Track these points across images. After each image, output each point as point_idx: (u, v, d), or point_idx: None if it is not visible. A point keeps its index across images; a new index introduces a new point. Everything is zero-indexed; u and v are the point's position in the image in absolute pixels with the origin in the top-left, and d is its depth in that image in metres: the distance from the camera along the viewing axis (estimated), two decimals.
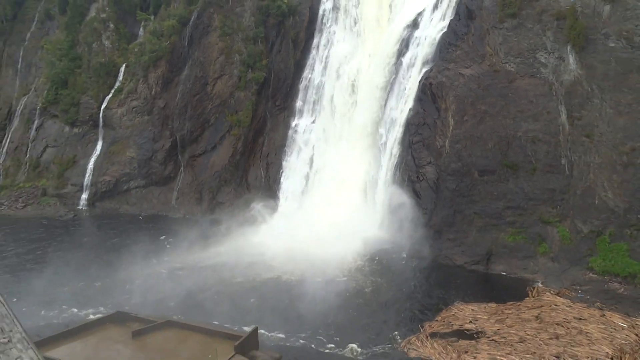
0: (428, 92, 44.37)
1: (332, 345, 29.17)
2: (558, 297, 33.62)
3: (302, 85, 54.92)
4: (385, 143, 47.02)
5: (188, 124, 56.47)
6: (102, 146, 58.64)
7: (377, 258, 40.95)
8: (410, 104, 45.37)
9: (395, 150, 46.00)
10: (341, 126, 51.15)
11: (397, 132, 46.04)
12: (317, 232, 42.52)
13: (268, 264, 39.48)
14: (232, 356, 23.65)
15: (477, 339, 29.32)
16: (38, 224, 51.47)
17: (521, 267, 38.02)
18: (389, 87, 47.57)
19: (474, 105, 41.97)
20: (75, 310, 32.32)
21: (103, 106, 58.65)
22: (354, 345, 28.89)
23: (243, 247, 41.77)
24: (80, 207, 56.70)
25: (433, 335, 29.87)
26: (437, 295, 35.49)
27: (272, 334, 30.15)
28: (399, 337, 30.07)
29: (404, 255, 40.96)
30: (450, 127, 42.76)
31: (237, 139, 55.26)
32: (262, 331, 29.18)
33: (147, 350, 25.19)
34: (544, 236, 38.53)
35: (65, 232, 50.44)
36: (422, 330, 30.62)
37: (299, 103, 54.80)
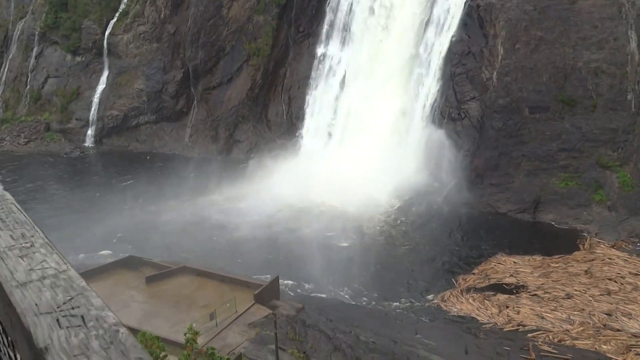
0: (475, 15, 43.48)
1: (360, 299, 29.97)
2: (613, 250, 33.68)
3: (329, 8, 53.61)
4: (423, 75, 46.63)
5: (201, 53, 56.30)
6: (108, 77, 59.19)
7: (411, 204, 41.53)
8: (453, 30, 44.61)
9: (434, 84, 45.67)
10: (374, 55, 50.36)
11: (437, 62, 45.50)
12: (345, 176, 43.04)
13: (291, 211, 40.36)
14: (252, 305, 24.94)
15: (517, 294, 29.80)
16: (43, 162, 53.05)
17: (572, 216, 38.08)
18: (429, 8, 46.58)
19: (527, 30, 41.08)
20: (83, 255, 33.72)
21: (107, 32, 58.80)
22: (384, 301, 29.69)
23: (262, 193, 42.57)
24: (86, 144, 58.09)
25: (468, 290, 30.46)
26: (476, 246, 36.00)
27: (295, 284, 31.12)
28: (432, 292, 30.83)
29: (441, 202, 41.30)
30: (499, 57, 42.13)
31: (255, 70, 55.13)
32: (285, 281, 29.93)
33: (161, 296, 26.57)
34: (601, 182, 38.38)
35: (72, 170, 52.17)
36: (456, 285, 31.24)
37: (325, 28, 53.71)
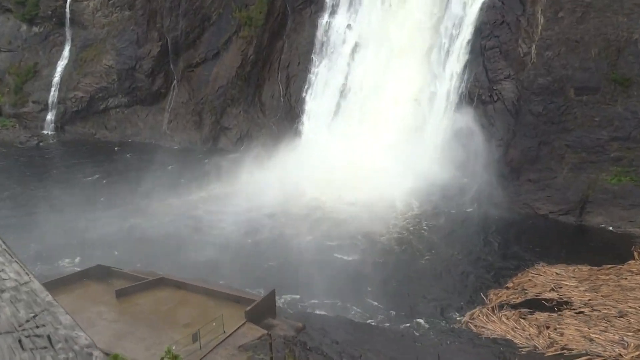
0: None
1: (371, 318, 29.84)
2: None
3: None
4: (448, 49, 46.62)
5: (182, 22, 56.45)
6: (71, 51, 59.33)
7: (433, 204, 41.62)
8: None
9: (461, 60, 45.68)
10: (389, 26, 50.29)
11: (465, 34, 45.53)
12: (353, 171, 43.14)
13: (288, 213, 40.53)
14: (242, 324, 24.85)
15: (560, 312, 29.75)
16: None
17: (626, 218, 37.97)
18: None
19: None
20: (41, 264, 33.65)
21: None
22: (400, 320, 29.63)
23: (254, 191, 42.73)
24: (45, 132, 58.24)
25: (501, 306, 30.42)
26: (511, 255, 35.96)
27: (294, 299, 31.07)
28: (458, 310, 30.73)
29: (469, 201, 41.48)
30: (539, 28, 42.11)
31: (247, 44, 55.14)
32: (282, 296, 30.00)
33: (134, 313, 26.55)
34: None
35: (28, 163, 52.26)
36: (487, 301, 31.22)
37: None
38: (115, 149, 55.30)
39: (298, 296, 31.55)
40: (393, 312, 30.76)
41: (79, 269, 30.76)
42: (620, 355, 26.47)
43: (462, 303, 31.59)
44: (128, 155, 53.52)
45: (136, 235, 37.41)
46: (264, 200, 41.68)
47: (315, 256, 35.15)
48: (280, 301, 29.42)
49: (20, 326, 1.50)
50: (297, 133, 52.83)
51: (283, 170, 45.04)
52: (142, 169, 47.11)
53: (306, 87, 54.33)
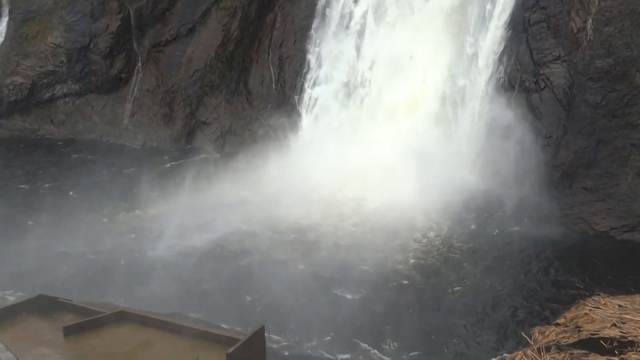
0: None
1: None
2: None
3: None
4: (482, 23, 46.91)
5: None
6: (9, 26, 59.46)
7: (465, 220, 41.81)
8: None
9: (498, 38, 46.00)
10: None
11: (504, 5, 45.78)
12: (362, 176, 43.53)
13: (279, 231, 40.84)
14: None
15: (623, 354, 29.59)
16: None
17: None
18: None
19: None
20: None
21: None
22: None
23: (236, 203, 43.13)
24: None
25: (548, 348, 30.25)
26: (562, 283, 35.84)
27: (288, 337, 31.06)
28: (496, 352, 30.72)
29: (510, 216, 41.65)
30: None
31: (229, 17, 55.52)
32: (273, 335, 30.20)
33: (87, 356, 25.98)
34: None
35: None
36: (531, 342, 31.01)
37: None
38: (62, 149, 55.49)
39: (289, 337, 31.58)
40: (412, 354, 30.56)
41: (15, 301, 30.38)
42: None
43: (500, 344, 31.43)
44: (76, 156, 53.67)
45: (78, 260, 37.31)
46: (246, 215, 41.88)
47: (314, 283, 35.27)
48: (270, 342, 29.32)
49: None
50: (293, 129, 53.18)
51: (275, 176, 45.50)
52: (92, 174, 47.46)
53: (304, 71, 54.50)
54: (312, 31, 54.39)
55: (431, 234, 41.15)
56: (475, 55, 47.26)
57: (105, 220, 42.32)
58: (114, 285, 34.78)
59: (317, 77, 54.43)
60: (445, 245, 40.25)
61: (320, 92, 54.02)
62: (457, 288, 36.34)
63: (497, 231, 41.07)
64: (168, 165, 51.21)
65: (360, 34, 52.78)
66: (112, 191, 45.03)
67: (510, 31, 45.51)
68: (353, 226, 41.36)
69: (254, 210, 42.42)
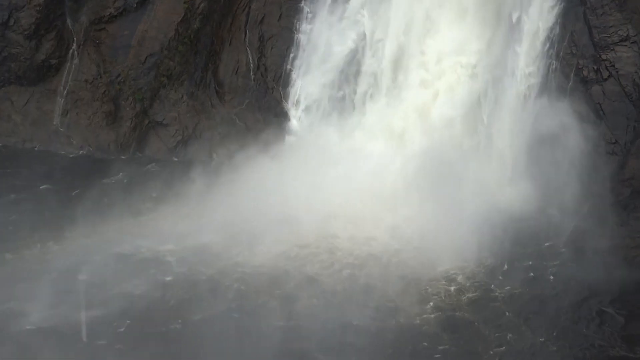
0: None
1: None
2: None
3: None
4: None
5: None
6: None
7: (505, 253, 41.28)
8: None
9: (546, 12, 45.94)
10: None
11: None
12: (370, 194, 43.98)
13: (247, 271, 40.38)
14: None
15: None
16: None
17: None
18: None
19: None
20: None
21: None
22: None
23: (205, 229, 42.99)
24: None
25: None
26: (637, 338, 35.36)
27: None
28: None
29: (563, 247, 41.39)
30: None
31: None
32: None
33: None
34: None
35: None
36: None
37: None
38: None
39: None
40: None
41: None
42: None
43: None
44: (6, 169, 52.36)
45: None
46: (202, 256, 41.47)
47: (303, 337, 35.07)
48: None
49: None
50: (277, 131, 53.19)
51: (250, 195, 45.41)
52: (4, 193, 47.44)
53: (292, 55, 54.44)
54: (303, 3, 54.38)
55: (459, 277, 40.30)
56: (516, 35, 47.17)
57: (8, 256, 41.35)
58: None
59: (309, 63, 54.31)
60: (478, 291, 39.44)
61: (312, 83, 54.09)
62: (498, 349, 35.64)
63: (548, 270, 40.50)
64: (110, 179, 50.22)
65: (364, 11, 53.06)
66: (27, 217, 44.38)
67: (563, 3, 45.53)
68: (351, 267, 40.66)
69: (217, 249, 41.93)
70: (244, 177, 47.29)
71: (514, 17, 47.24)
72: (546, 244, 42.09)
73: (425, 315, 37.67)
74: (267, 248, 41.77)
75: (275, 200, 44.39)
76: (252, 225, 42.91)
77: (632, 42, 43.27)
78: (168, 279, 39.50)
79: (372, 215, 43.26)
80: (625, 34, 43.46)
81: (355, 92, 53.21)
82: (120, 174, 50.89)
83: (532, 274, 40.65)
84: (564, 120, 43.52)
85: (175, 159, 53.30)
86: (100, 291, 37.96)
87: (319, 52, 54.08)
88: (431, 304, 38.43)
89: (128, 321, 36.09)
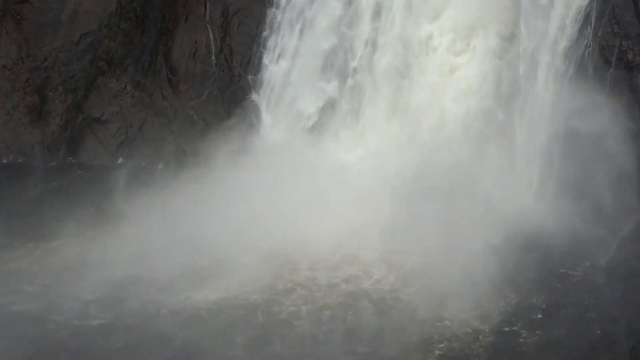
0: None
1: None
2: None
3: None
4: None
5: None
6: None
7: (528, 283, 40.80)
8: None
9: None
10: None
11: None
12: (364, 212, 44.10)
13: (215, 309, 39.77)
14: None
15: None
16: None
17: None
18: None
19: None
20: None
21: None
22: None
23: (146, 259, 42.15)
24: None
25: None
26: None
27: None
28: None
29: (603, 272, 40.89)
30: None
31: None
32: None
33: None
34: None
35: None
36: None
37: None
38: None
39: None
40: None
41: None
42: None
43: None
44: None
45: None
46: (154, 278, 40.99)
47: None
48: None
49: None
50: (245, 130, 52.78)
51: (209, 213, 45.08)
52: None
53: (264, 35, 54.06)
54: None
55: (473, 319, 39.33)
56: (545, 11, 46.99)
57: None
58: None
59: (285, 45, 54.07)
60: (498, 336, 38.51)
61: (289, 70, 53.85)
62: None
63: (585, 303, 39.55)
64: (30, 193, 49.78)
65: None
66: None
67: None
68: (334, 307, 40.00)
69: (161, 282, 41.13)
70: (203, 190, 47.17)
71: None
72: (580, 268, 42.04)
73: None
74: (226, 281, 41.43)
75: (240, 221, 43.97)
76: (209, 251, 42.47)
77: None
78: (94, 323, 38.69)
79: (360, 241, 43.27)
80: None
81: (345, 81, 53.26)
82: (45, 185, 50.64)
83: (563, 310, 39.92)
84: (603, 115, 43.38)
85: (116, 164, 53.24)
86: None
87: (297, 32, 53.95)
88: (437, 353, 37.77)
89: None
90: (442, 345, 37.82)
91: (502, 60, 49.07)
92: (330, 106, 53.43)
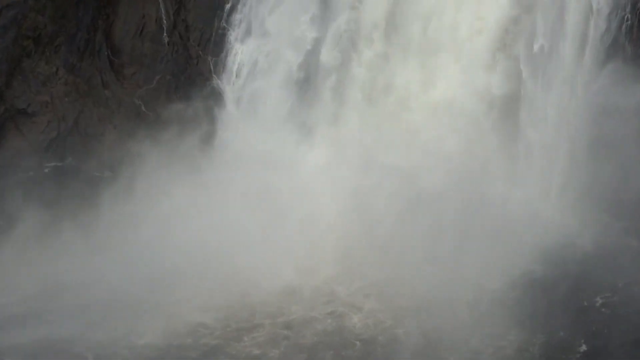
0: None
1: None
2: None
3: None
4: None
5: None
6: None
7: (554, 314, 40.48)
8: None
9: None
10: None
11: None
12: (350, 230, 44.48)
13: (170, 344, 39.53)
14: None
15: None
16: None
17: None
18: None
19: None
20: None
21: None
22: None
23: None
24: None
25: None
26: None
27: None
28: None
29: None
30: None
31: None
32: None
33: None
34: None
35: None
36: None
37: None
38: None
39: None
40: None
41: None
42: None
43: None
44: None
45: None
46: (77, 316, 41.00)
47: None
48: None
49: None
50: (205, 123, 52.14)
51: (156, 230, 45.10)
52: None
53: (227, 6, 53.76)
54: None
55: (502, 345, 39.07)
56: None
57: None
58: None
59: (254, 18, 53.19)
60: None
61: (260, 50, 53.18)
62: None
63: (632, 338, 38.36)
64: None
65: None
66: None
67: None
68: (309, 350, 39.60)
69: (82, 323, 40.78)
70: (151, 201, 46.64)
71: None
72: (612, 291, 41.83)
73: None
74: (168, 321, 41.10)
75: (195, 241, 43.74)
76: (152, 281, 42.39)
77: None
78: None
79: (345, 268, 43.66)
80: None
81: (325, 63, 52.58)
82: None
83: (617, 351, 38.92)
84: None
85: (46, 167, 51.91)
86: None
87: (269, 3, 52.94)
88: None
89: None
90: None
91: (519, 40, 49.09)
92: (308, 97, 53.11)
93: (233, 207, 46.40)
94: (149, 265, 42.97)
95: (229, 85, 53.09)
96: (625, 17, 45.25)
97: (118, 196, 48.22)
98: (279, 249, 43.67)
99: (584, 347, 39.28)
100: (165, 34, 54.22)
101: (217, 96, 52.93)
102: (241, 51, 53.37)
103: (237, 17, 53.30)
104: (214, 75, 53.32)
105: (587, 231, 43.78)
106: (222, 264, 42.92)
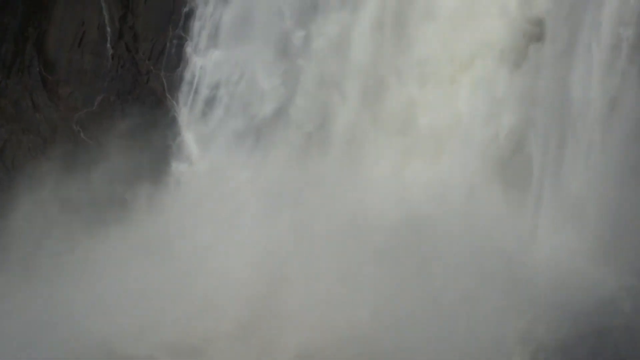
0: None
1: None
2: None
3: None
4: None
5: None
6: None
7: None
8: None
9: None
10: None
11: None
12: (323, 276, 41.61)
13: None
14: None
15: None
16: None
17: None
18: None
19: None
20: None
21: None
22: None
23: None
24: None
25: None
26: None
27: None
28: None
29: None
30: None
31: None
32: None
33: None
34: None
35: None
36: None
37: None
38: None
39: None
40: None
41: None
42: None
43: None
44: None
45: None
46: None
47: None
48: None
49: None
50: (156, 153, 48.25)
51: (98, 288, 41.23)
52: None
53: (185, 10, 49.52)
54: None
55: None
56: None
57: None
58: None
59: (219, 27, 49.05)
60: None
61: (225, 61, 48.71)
62: None
63: None
64: None
65: None
66: None
67: None
68: None
69: None
70: (91, 251, 43.30)
71: None
72: None
73: None
74: None
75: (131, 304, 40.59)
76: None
77: None
78: None
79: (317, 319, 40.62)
80: None
81: (299, 80, 47.71)
82: None
83: None
84: None
85: None
86: None
87: (235, 5, 48.58)
88: None
89: None
90: None
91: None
92: (283, 114, 48.11)
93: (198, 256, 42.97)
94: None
95: (186, 106, 48.23)
96: None
97: (48, 241, 44.54)
98: None
99: None
100: (109, 45, 50.36)
101: (170, 121, 48.35)
102: (202, 65, 48.44)
103: (196, 23, 48.68)
104: (167, 95, 48.76)
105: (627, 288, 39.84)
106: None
